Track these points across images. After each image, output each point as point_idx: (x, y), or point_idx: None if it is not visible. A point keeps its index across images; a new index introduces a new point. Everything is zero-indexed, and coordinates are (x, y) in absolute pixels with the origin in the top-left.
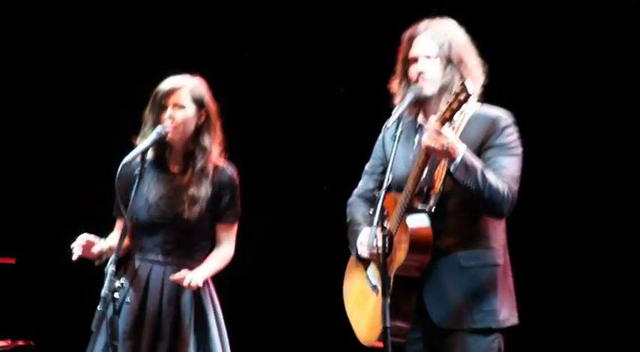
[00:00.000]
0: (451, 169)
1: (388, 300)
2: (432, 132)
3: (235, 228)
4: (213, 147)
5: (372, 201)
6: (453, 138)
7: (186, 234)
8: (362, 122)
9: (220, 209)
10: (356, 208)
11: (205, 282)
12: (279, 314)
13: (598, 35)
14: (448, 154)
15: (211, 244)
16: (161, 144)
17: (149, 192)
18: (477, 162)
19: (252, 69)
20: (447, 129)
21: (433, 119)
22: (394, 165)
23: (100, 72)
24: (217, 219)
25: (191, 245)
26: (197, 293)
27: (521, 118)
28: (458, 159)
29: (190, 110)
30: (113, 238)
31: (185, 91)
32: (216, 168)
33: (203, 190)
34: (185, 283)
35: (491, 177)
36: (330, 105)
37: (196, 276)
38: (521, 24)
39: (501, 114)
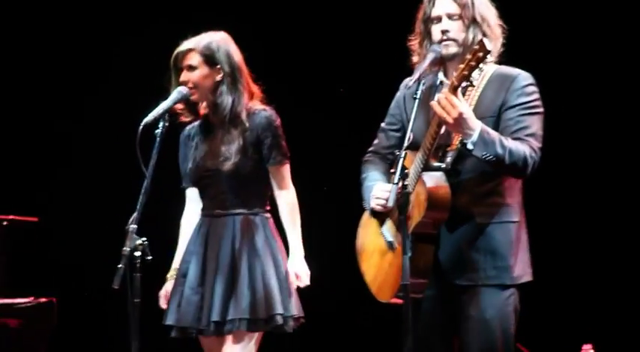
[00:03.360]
0: (468, 146)
1: (408, 258)
2: (447, 105)
3: (286, 168)
4: (239, 99)
5: (386, 158)
6: (467, 113)
7: (235, 183)
8: (362, 122)
9: (265, 151)
10: (371, 165)
11: (262, 229)
12: None
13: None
14: (462, 129)
15: (267, 187)
16: (191, 105)
17: (196, 150)
18: (493, 134)
19: (251, 69)
20: (462, 103)
21: (447, 83)
22: (415, 123)
23: (116, 74)
24: (266, 161)
25: (243, 192)
26: (252, 240)
27: (541, 79)
28: (475, 137)
29: (203, 70)
30: (187, 216)
31: (196, 52)
32: (250, 114)
33: (235, 141)
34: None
35: (511, 143)
36: (330, 105)
37: (303, 277)
38: None
39: (521, 73)
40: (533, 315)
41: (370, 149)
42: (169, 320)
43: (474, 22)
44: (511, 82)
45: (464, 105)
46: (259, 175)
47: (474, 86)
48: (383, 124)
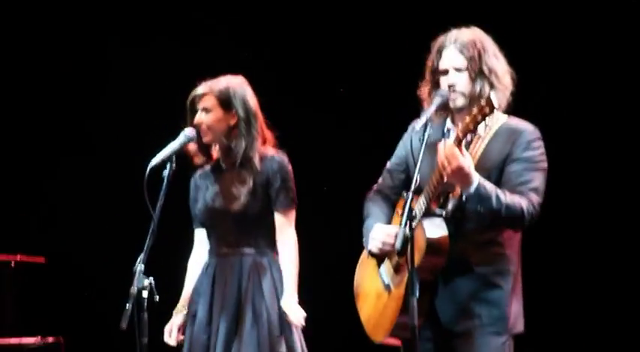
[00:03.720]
0: (464, 198)
1: (415, 300)
2: (450, 156)
3: (292, 213)
4: (252, 145)
5: (390, 198)
6: (467, 166)
7: (243, 224)
8: (362, 122)
9: (273, 195)
10: (373, 204)
11: (269, 270)
12: None
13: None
14: (461, 182)
15: (273, 231)
16: (204, 147)
17: (207, 191)
18: (490, 188)
19: (252, 68)
20: (464, 156)
21: (454, 132)
22: (421, 166)
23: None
24: (273, 205)
25: (252, 234)
26: (259, 281)
27: (547, 130)
28: (471, 189)
29: (217, 113)
30: (194, 257)
31: (211, 95)
32: (263, 158)
33: (246, 184)
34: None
35: (508, 198)
36: (330, 105)
37: (294, 316)
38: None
39: (528, 128)
40: None
41: (374, 188)
42: None
43: (481, 74)
44: (518, 135)
45: (464, 159)
46: (268, 218)
47: (480, 137)
48: (388, 164)
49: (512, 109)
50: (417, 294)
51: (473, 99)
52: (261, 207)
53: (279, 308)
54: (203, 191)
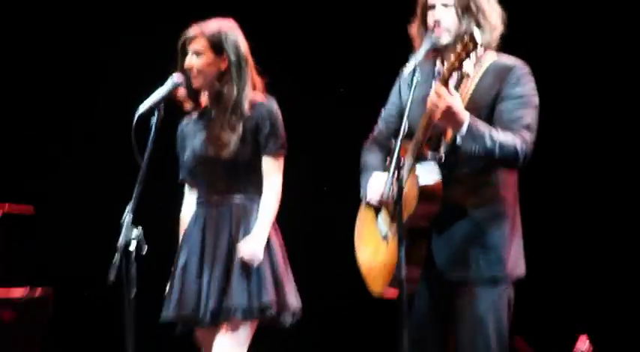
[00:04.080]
0: (457, 140)
1: (403, 252)
2: (437, 98)
3: (280, 159)
4: (242, 90)
5: (386, 146)
6: (457, 108)
7: (233, 170)
8: (361, 122)
9: (262, 140)
10: (369, 153)
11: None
12: None
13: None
14: (451, 123)
15: (262, 177)
16: (193, 93)
17: (195, 139)
18: (482, 127)
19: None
20: (452, 95)
21: (442, 69)
22: (410, 112)
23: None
24: (262, 150)
25: (241, 180)
26: (248, 228)
27: (539, 68)
28: (463, 129)
29: (208, 57)
30: (186, 208)
31: (203, 38)
32: (252, 105)
33: (236, 130)
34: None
35: (501, 136)
36: (330, 105)
37: (248, 254)
38: None
39: (517, 64)
40: (529, 308)
41: (370, 137)
42: (169, 317)
43: (467, 11)
44: (507, 72)
45: (453, 99)
46: (257, 164)
47: (469, 76)
48: (382, 112)
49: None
50: (403, 246)
51: (458, 36)
52: (251, 153)
53: (270, 256)
54: (191, 138)
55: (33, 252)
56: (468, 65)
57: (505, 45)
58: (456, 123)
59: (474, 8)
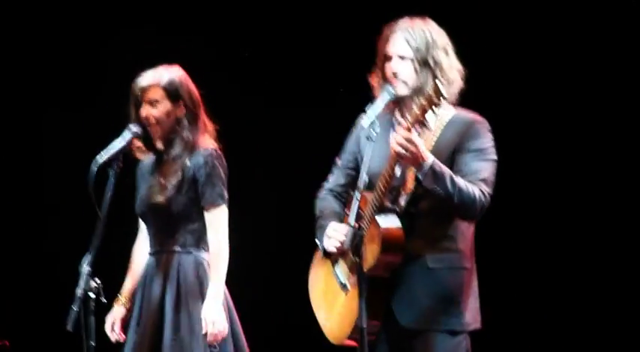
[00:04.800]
0: (419, 177)
1: (364, 300)
2: (401, 139)
3: (218, 211)
4: (196, 135)
5: (341, 196)
6: (420, 146)
7: (170, 220)
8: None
9: (198, 191)
10: (325, 203)
11: (195, 270)
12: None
13: (588, 37)
14: (416, 162)
15: (203, 228)
16: (148, 140)
17: (144, 183)
18: (445, 169)
19: (248, 70)
20: (414, 136)
21: (403, 124)
22: (369, 164)
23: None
24: (200, 200)
25: (178, 231)
26: (180, 281)
27: (497, 124)
28: (426, 167)
29: (166, 106)
30: (137, 247)
31: (159, 87)
32: (193, 151)
33: (174, 175)
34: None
35: (461, 182)
36: (330, 105)
37: (210, 325)
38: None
39: (477, 119)
40: None
41: (324, 186)
42: None
43: (425, 65)
44: (466, 126)
45: (417, 138)
46: (194, 214)
47: (430, 130)
48: (338, 161)
49: (461, 105)
50: (364, 295)
51: (415, 90)
52: (187, 203)
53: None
54: (143, 182)
55: None
56: (429, 118)
57: (465, 100)
58: (420, 161)
59: (431, 62)
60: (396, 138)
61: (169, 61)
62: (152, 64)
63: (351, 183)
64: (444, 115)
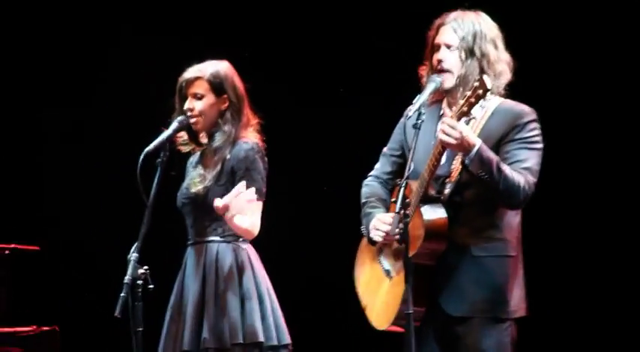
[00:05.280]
0: (466, 162)
1: (410, 287)
2: (447, 127)
3: (254, 205)
4: (238, 129)
5: (387, 183)
6: (467, 131)
7: (208, 210)
8: (361, 122)
9: (237, 183)
10: (371, 190)
11: (234, 259)
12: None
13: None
14: (463, 148)
15: None
16: (193, 134)
17: (188, 177)
18: (492, 155)
19: (251, 69)
20: (461, 123)
21: (449, 114)
22: (416, 153)
23: (111, 79)
24: None
25: (215, 221)
26: (221, 269)
27: (546, 115)
28: (472, 152)
29: (210, 99)
30: None
31: (203, 80)
32: (234, 144)
33: (214, 167)
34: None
35: (507, 170)
36: (330, 105)
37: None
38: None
39: (524, 109)
40: (533, 347)
41: (371, 173)
42: None
43: (471, 55)
44: (512, 117)
45: (463, 126)
46: None
47: (475, 119)
48: (385, 149)
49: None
50: (411, 282)
51: (461, 80)
52: (224, 194)
53: (242, 297)
54: (186, 176)
55: (40, 291)
56: (474, 109)
57: (514, 93)
58: (468, 146)
59: (477, 53)
60: (442, 127)
61: (170, 60)
62: (152, 62)
63: (397, 170)
64: (490, 105)
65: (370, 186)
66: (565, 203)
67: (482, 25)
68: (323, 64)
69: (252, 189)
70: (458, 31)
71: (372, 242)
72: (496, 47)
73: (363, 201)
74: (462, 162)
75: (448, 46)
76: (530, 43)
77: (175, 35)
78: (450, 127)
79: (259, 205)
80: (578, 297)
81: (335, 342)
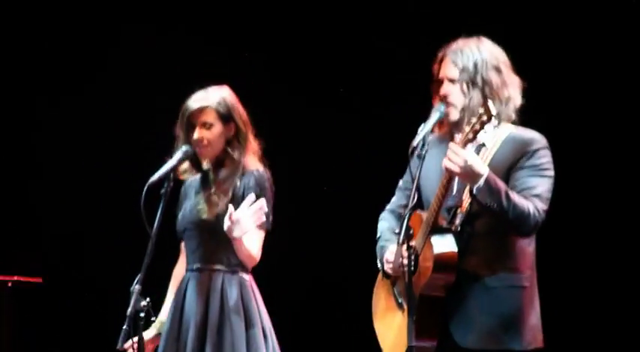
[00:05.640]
0: (474, 191)
1: (413, 319)
2: (452, 155)
3: (259, 233)
4: (245, 157)
5: (402, 216)
6: (473, 159)
7: (216, 237)
8: (361, 122)
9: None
10: (385, 223)
11: (238, 290)
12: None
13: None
14: (469, 176)
15: None
16: (195, 160)
17: (189, 201)
18: (500, 184)
19: (254, 71)
20: (468, 151)
21: (455, 141)
22: (425, 183)
23: (114, 87)
24: None
25: (223, 249)
26: (225, 299)
27: (559, 142)
28: (480, 182)
29: (218, 128)
30: (178, 269)
31: (211, 109)
32: (245, 172)
33: (224, 194)
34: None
35: (516, 198)
36: (330, 105)
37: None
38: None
39: (534, 136)
40: None
41: (387, 207)
42: None
43: (474, 85)
44: (522, 144)
45: (470, 153)
46: None
47: (486, 147)
48: (400, 183)
49: (521, 121)
50: (414, 314)
51: (467, 111)
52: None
53: (247, 329)
54: (188, 200)
55: (42, 322)
56: (485, 137)
57: (526, 117)
58: (475, 175)
59: (479, 82)
60: (448, 154)
61: (168, 59)
62: (152, 60)
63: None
64: (501, 133)
65: (385, 219)
66: (582, 231)
67: (483, 52)
68: (323, 64)
69: (262, 200)
70: (458, 63)
71: (386, 275)
72: (499, 72)
73: (378, 235)
74: (470, 192)
75: (451, 80)
76: (538, 62)
77: (175, 35)
78: (454, 153)
79: (261, 235)
80: (598, 328)
81: (335, 342)
